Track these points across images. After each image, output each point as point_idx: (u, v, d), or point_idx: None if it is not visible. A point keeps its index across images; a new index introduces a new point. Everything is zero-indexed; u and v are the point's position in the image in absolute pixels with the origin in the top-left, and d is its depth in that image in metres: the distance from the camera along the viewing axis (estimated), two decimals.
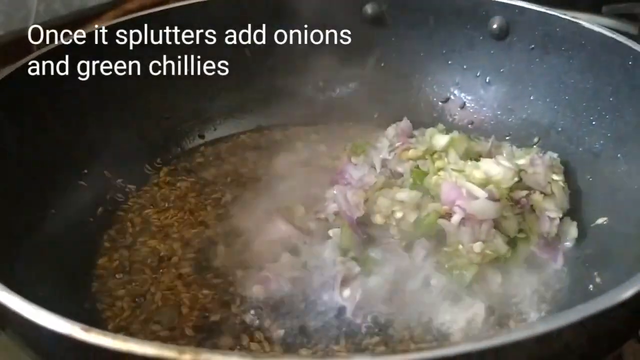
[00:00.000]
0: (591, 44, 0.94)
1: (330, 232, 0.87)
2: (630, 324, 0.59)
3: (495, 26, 1.05)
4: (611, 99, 0.91)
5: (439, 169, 0.89)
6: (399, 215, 0.83)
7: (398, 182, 0.90)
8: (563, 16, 0.98)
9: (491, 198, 0.83)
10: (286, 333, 0.77)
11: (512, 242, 0.85)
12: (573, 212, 0.90)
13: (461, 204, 0.82)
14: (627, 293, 0.51)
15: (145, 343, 0.48)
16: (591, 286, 0.79)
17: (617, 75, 0.90)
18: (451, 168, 0.87)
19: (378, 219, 0.85)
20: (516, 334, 0.48)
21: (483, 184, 0.84)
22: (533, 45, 1.03)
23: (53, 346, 0.55)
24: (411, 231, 0.83)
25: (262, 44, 1.13)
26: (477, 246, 0.81)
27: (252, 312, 0.79)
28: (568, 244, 0.87)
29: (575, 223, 0.88)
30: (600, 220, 0.87)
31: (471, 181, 0.84)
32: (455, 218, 0.82)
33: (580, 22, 0.96)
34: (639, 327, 0.62)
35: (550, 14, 1.00)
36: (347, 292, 0.79)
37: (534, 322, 0.54)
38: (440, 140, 0.92)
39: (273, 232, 0.89)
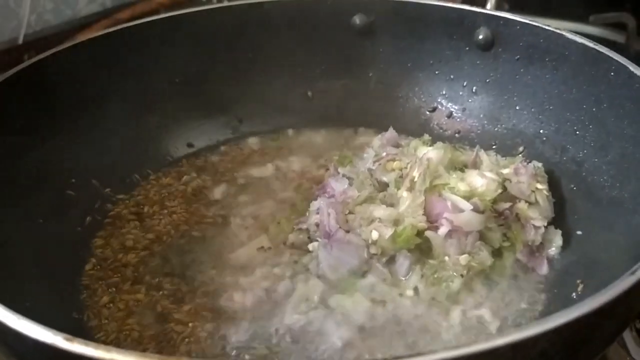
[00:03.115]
0: (574, 54, 0.96)
1: (310, 246, 0.88)
2: (607, 332, 0.60)
3: (480, 37, 1.07)
4: (594, 109, 0.92)
5: None
6: (374, 236, 0.83)
7: (380, 195, 0.90)
8: (547, 27, 0.99)
9: (476, 210, 0.84)
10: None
11: (497, 252, 0.86)
12: (557, 220, 0.91)
13: (448, 216, 0.83)
14: (601, 301, 0.52)
15: (128, 352, 0.49)
16: (574, 294, 0.80)
17: (600, 86, 0.91)
18: (436, 181, 0.88)
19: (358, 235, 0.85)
20: (492, 341, 0.49)
21: (467, 197, 0.85)
22: (518, 56, 1.04)
23: (37, 356, 0.56)
24: (390, 246, 0.83)
25: (251, 54, 1.14)
26: (464, 258, 0.83)
27: (227, 326, 0.79)
28: (553, 252, 0.88)
29: (559, 231, 0.89)
30: (583, 229, 0.88)
31: (456, 194, 0.85)
32: (442, 230, 0.83)
33: (563, 33, 0.97)
34: (616, 335, 0.63)
35: (535, 25, 1.01)
36: (295, 317, 0.79)
37: (511, 329, 0.55)
38: (424, 151, 0.93)
39: (253, 243, 0.91)
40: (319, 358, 0.75)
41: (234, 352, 0.76)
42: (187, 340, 0.77)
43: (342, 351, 0.75)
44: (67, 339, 0.50)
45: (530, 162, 0.95)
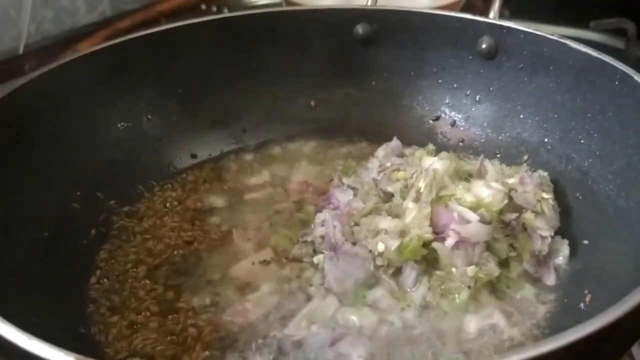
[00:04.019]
0: (578, 63, 0.96)
1: (315, 259, 0.87)
2: (618, 345, 0.60)
3: (484, 46, 1.06)
4: (599, 118, 0.92)
5: None
6: (380, 247, 0.82)
7: (386, 206, 0.90)
8: (550, 36, 0.99)
9: (483, 221, 0.83)
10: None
11: (504, 263, 0.86)
12: (564, 230, 0.91)
13: (455, 227, 0.83)
14: (613, 316, 0.52)
15: None
16: (582, 304, 0.80)
17: (604, 95, 0.91)
18: (442, 192, 0.87)
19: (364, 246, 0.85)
20: (507, 358, 0.48)
21: (474, 207, 0.85)
22: (522, 65, 1.04)
23: None
24: (396, 258, 0.83)
25: (254, 64, 1.15)
26: (471, 270, 0.82)
27: (234, 340, 0.79)
28: (560, 262, 0.88)
29: (566, 241, 0.89)
30: (590, 239, 0.88)
31: (462, 204, 0.85)
32: (450, 241, 0.83)
33: (567, 42, 0.97)
34: (627, 348, 0.63)
35: (538, 34, 1.01)
36: (302, 331, 0.79)
37: (525, 346, 0.55)
38: (429, 162, 0.93)
39: (257, 256, 0.91)
40: None
41: None
42: (196, 358, 0.77)
43: None
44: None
45: (535, 171, 0.96)
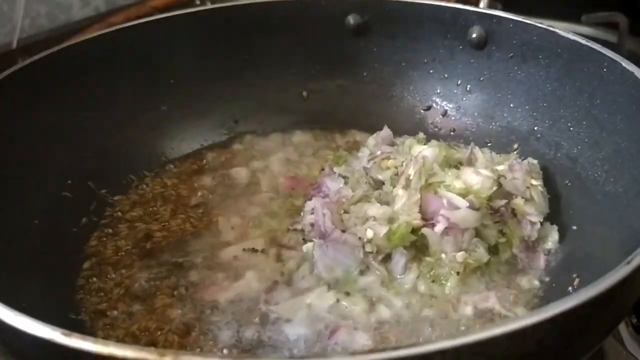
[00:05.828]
0: (567, 52, 0.96)
1: (304, 248, 0.88)
2: (603, 323, 0.60)
3: (474, 36, 1.07)
4: (587, 105, 0.93)
5: None
6: (369, 234, 0.83)
7: (375, 194, 0.90)
8: (540, 25, 1.00)
9: (472, 207, 0.84)
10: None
11: (493, 249, 0.86)
12: (553, 216, 0.91)
13: (444, 213, 0.83)
14: (598, 290, 0.53)
15: (126, 346, 0.49)
16: (570, 289, 0.80)
17: (592, 82, 0.92)
18: (431, 179, 0.88)
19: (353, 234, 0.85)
20: (489, 331, 0.49)
21: (463, 194, 0.85)
22: (511, 54, 1.04)
23: (35, 352, 0.55)
24: (385, 244, 0.83)
25: (246, 55, 1.15)
26: (460, 255, 0.83)
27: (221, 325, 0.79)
28: (549, 248, 0.88)
29: (555, 227, 0.90)
30: (578, 224, 0.89)
31: (451, 191, 0.85)
32: (439, 227, 0.83)
33: (556, 30, 0.98)
34: (612, 326, 0.64)
35: (527, 23, 1.01)
36: (292, 319, 0.79)
37: (507, 319, 0.55)
38: (419, 149, 0.93)
39: (247, 244, 0.91)
40: None
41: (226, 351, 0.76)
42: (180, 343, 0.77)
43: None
44: (65, 334, 0.50)
45: (525, 158, 0.96)
